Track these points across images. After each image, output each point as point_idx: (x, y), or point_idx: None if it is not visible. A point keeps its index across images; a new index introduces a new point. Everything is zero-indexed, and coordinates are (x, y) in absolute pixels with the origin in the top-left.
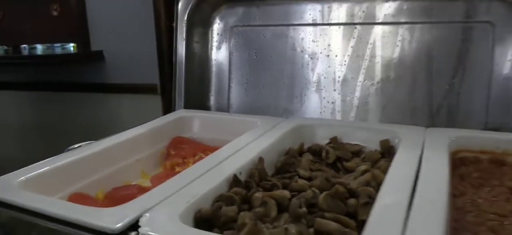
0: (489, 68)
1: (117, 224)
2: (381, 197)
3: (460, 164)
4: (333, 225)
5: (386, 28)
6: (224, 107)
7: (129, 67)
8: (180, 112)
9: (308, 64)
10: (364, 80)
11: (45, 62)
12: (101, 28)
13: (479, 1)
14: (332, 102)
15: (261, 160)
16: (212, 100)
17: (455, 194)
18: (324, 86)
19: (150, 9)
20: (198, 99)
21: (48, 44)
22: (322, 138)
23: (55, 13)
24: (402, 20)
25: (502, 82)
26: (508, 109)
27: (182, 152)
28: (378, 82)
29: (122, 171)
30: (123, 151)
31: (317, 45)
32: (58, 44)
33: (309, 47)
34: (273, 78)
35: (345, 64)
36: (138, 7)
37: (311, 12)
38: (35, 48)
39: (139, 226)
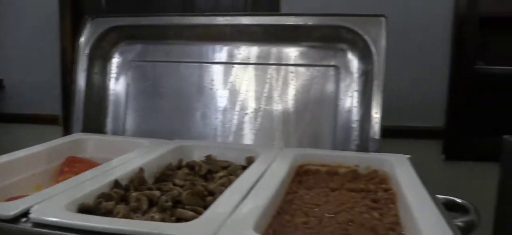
0: (335, 102)
1: (11, 212)
2: (225, 194)
3: (303, 174)
4: (189, 213)
5: (258, 67)
6: (120, 133)
7: (30, 98)
8: (76, 135)
9: (195, 96)
10: (240, 110)
11: None
12: (3, 57)
13: (329, 50)
14: (214, 128)
15: (141, 169)
16: (109, 126)
17: (289, 192)
18: (208, 115)
19: (56, 42)
20: (95, 125)
21: None
22: (199, 157)
23: None
24: (271, 62)
25: (345, 114)
26: (349, 135)
27: (75, 169)
28: (251, 112)
29: (18, 184)
30: (19, 166)
31: (203, 80)
32: None
33: (196, 81)
34: (165, 107)
35: (225, 97)
36: (43, 39)
37: (198, 52)
38: None
39: (29, 214)
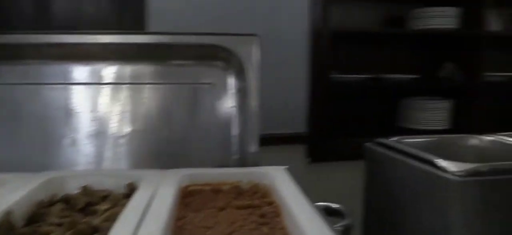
0: (213, 120)
1: None
2: (114, 228)
3: (189, 195)
4: None
5: (132, 87)
6: None
7: None
8: None
9: (62, 120)
10: (115, 133)
11: None
12: None
13: (204, 67)
14: (86, 155)
15: (8, 213)
16: None
17: (179, 218)
18: (79, 141)
19: None
20: None
21: None
22: (74, 188)
23: None
24: (146, 81)
25: (223, 130)
26: (228, 150)
27: None
28: (127, 134)
29: None
30: None
31: (70, 103)
32: None
33: (63, 105)
34: (27, 135)
35: (97, 120)
36: None
37: (63, 73)
38: None
39: None
